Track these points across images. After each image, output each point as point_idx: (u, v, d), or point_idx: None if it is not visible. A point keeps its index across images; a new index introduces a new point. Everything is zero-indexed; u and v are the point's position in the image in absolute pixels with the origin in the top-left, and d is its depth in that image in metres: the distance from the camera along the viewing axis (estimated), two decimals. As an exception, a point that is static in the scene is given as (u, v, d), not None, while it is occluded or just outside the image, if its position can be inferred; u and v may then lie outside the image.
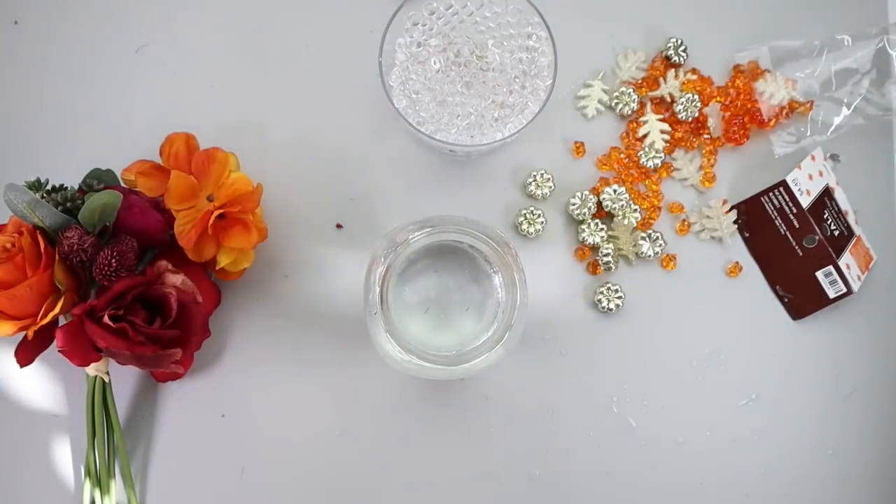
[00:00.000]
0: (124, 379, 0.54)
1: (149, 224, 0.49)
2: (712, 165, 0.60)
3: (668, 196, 0.59)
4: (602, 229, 0.57)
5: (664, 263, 0.58)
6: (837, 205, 0.58)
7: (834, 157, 0.61)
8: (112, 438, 0.51)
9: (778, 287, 0.58)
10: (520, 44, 0.46)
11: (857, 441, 0.57)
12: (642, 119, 0.59)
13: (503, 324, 0.44)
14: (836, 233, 0.57)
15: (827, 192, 0.58)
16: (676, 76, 0.60)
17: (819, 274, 0.56)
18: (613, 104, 0.60)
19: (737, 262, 0.58)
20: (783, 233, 0.57)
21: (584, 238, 0.57)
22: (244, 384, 0.55)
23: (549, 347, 0.56)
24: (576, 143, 0.59)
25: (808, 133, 0.59)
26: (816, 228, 0.56)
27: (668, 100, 0.60)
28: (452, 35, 0.43)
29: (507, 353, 0.45)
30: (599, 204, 0.58)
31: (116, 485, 0.52)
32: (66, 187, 0.48)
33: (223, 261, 0.51)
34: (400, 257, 0.44)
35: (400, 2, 0.44)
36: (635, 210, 0.57)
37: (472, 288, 0.47)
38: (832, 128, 0.59)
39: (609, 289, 0.56)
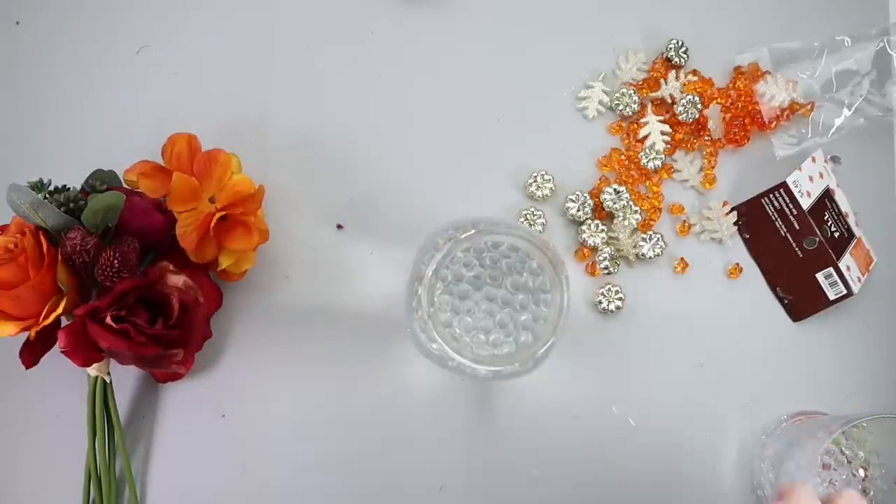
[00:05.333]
0: (125, 379, 0.54)
1: (150, 225, 0.49)
2: (713, 167, 0.60)
3: (668, 197, 0.59)
4: (602, 230, 0.57)
5: (677, 268, 0.58)
6: (838, 206, 0.58)
7: (835, 160, 0.61)
8: (113, 438, 0.51)
9: (778, 288, 0.58)
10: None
11: (857, 442, 0.57)
12: (643, 120, 0.60)
13: (550, 325, 0.44)
14: (837, 234, 0.57)
15: (827, 194, 0.58)
16: (677, 77, 0.60)
17: (819, 275, 0.56)
18: (614, 105, 0.60)
19: (737, 264, 0.58)
20: (783, 234, 0.57)
21: (584, 239, 0.57)
22: (244, 384, 0.55)
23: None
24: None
25: (809, 135, 0.60)
26: (817, 230, 0.56)
27: (669, 101, 0.60)
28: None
29: (548, 352, 0.45)
30: (598, 205, 0.58)
31: (117, 484, 0.52)
32: (69, 188, 0.48)
33: (224, 262, 0.51)
34: (446, 257, 0.44)
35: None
36: (636, 211, 0.57)
37: (517, 291, 0.47)
38: (833, 129, 0.59)
39: (609, 290, 0.56)
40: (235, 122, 0.58)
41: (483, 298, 0.46)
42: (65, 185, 0.48)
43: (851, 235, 0.58)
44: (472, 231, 0.44)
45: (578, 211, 0.57)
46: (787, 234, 0.57)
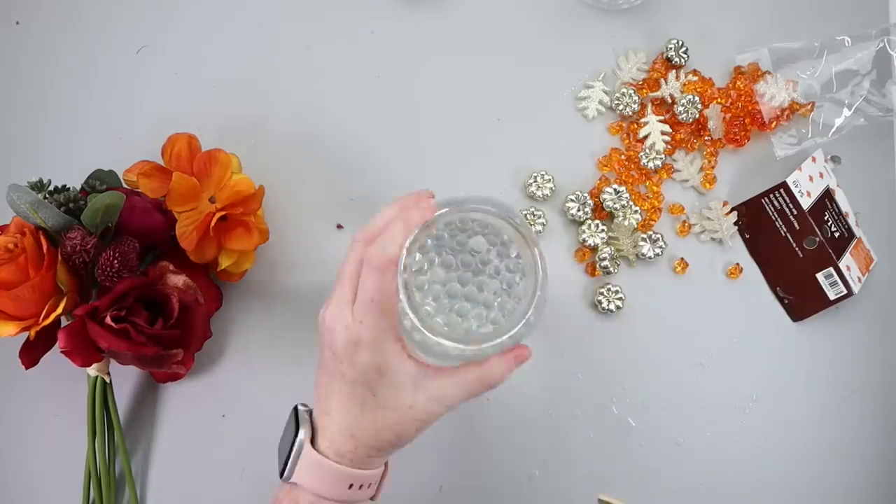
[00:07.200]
0: (125, 379, 0.54)
1: (151, 225, 0.49)
2: (713, 167, 0.60)
3: (668, 197, 0.59)
4: (602, 230, 0.57)
5: (677, 268, 0.58)
6: (838, 206, 0.58)
7: (835, 159, 0.61)
8: (112, 438, 0.51)
9: (778, 288, 0.58)
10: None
11: (856, 442, 0.57)
12: (643, 120, 0.59)
13: (526, 301, 0.44)
14: (837, 234, 0.57)
15: (827, 194, 0.58)
16: (677, 77, 0.60)
17: (819, 275, 0.56)
18: (614, 105, 0.60)
19: (737, 264, 0.58)
20: (784, 234, 0.57)
21: (584, 239, 0.57)
22: (244, 384, 0.55)
23: (550, 348, 0.56)
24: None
25: (809, 134, 0.60)
26: (817, 230, 0.56)
27: (669, 101, 0.60)
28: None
29: (528, 331, 0.45)
30: (598, 205, 0.58)
31: (117, 484, 0.52)
32: (69, 188, 0.48)
33: (224, 262, 0.51)
34: (420, 235, 0.44)
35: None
36: (636, 211, 0.57)
37: (493, 267, 0.47)
38: (833, 129, 0.59)
39: (609, 290, 0.56)
40: (235, 122, 0.58)
41: (456, 278, 0.46)
42: (65, 185, 0.48)
43: (851, 235, 0.58)
44: (447, 209, 0.44)
45: (578, 211, 0.57)
46: (788, 234, 0.57)
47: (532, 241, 0.44)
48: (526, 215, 0.57)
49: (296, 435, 0.40)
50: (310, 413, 0.41)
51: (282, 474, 0.40)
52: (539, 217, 0.57)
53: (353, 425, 0.39)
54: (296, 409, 0.42)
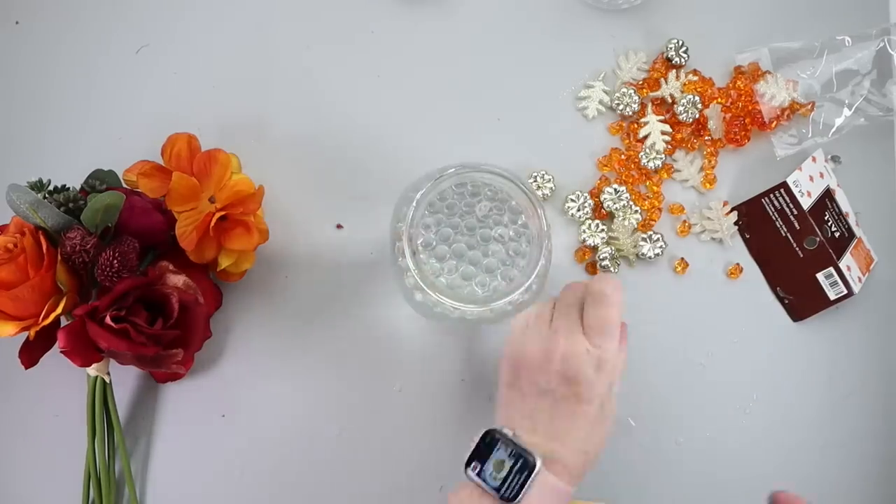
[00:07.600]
0: (125, 379, 0.54)
1: (150, 225, 0.49)
2: (713, 167, 0.60)
3: (668, 197, 0.59)
4: (602, 230, 0.57)
5: (677, 268, 0.58)
6: (838, 206, 0.58)
7: (835, 159, 0.61)
8: (112, 438, 0.51)
9: (778, 288, 0.58)
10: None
11: (856, 442, 0.57)
12: (643, 120, 0.59)
13: (529, 269, 0.44)
14: (837, 234, 0.57)
15: (828, 194, 0.58)
16: (677, 77, 0.60)
17: (820, 275, 0.56)
18: (614, 105, 0.60)
19: (737, 264, 0.58)
20: (784, 234, 0.57)
21: (584, 239, 0.57)
22: (244, 384, 0.55)
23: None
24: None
25: (810, 134, 0.59)
26: (817, 230, 0.56)
27: (669, 101, 0.60)
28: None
29: (530, 297, 0.45)
30: (598, 205, 0.58)
31: (117, 484, 0.52)
32: (69, 188, 0.48)
33: (224, 262, 0.51)
34: (428, 196, 0.44)
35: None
36: (636, 211, 0.57)
37: (499, 233, 0.46)
38: (833, 129, 0.59)
39: (609, 290, 0.56)
40: (235, 122, 0.58)
41: (463, 241, 0.46)
42: (64, 185, 0.48)
43: (852, 235, 0.58)
44: (452, 169, 0.44)
45: (578, 211, 0.57)
46: (788, 234, 0.57)
47: (539, 207, 0.44)
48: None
49: (530, 462, 0.40)
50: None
51: (508, 497, 0.40)
52: (539, 217, 0.57)
53: (585, 443, 0.41)
54: (507, 435, 0.42)
